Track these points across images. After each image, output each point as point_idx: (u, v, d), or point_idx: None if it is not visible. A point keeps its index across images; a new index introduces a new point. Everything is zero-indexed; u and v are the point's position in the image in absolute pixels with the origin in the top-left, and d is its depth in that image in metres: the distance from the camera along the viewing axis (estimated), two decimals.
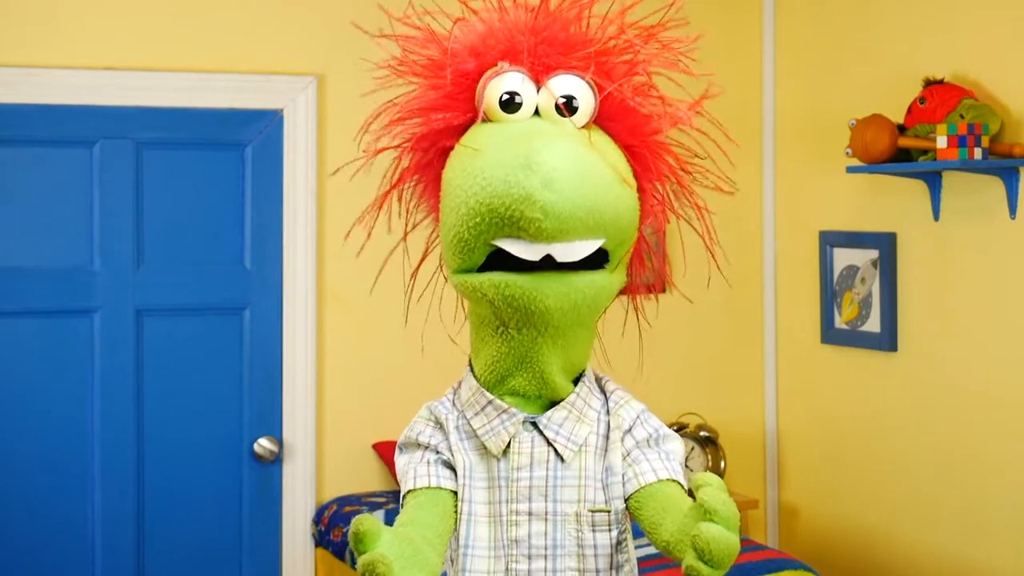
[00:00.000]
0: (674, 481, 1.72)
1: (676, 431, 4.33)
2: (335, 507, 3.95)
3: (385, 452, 4.05)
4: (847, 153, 3.90)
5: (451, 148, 1.66)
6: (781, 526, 4.57)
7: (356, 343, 4.11)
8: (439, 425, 1.73)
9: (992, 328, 3.71)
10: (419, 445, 1.73)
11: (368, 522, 1.46)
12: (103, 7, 3.85)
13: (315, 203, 4.01)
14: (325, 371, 4.07)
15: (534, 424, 1.68)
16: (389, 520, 3.69)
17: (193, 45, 3.94)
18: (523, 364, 1.66)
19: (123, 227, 3.87)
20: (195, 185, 3.96)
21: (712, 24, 4.53)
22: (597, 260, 1.60)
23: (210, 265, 3.98)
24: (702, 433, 4.32)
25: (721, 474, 4.32)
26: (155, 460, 3.92)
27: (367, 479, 4.11)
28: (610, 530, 1.70)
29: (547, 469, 1.68)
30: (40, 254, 3.81)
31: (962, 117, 3.61)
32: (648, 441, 1.74)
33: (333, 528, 3.89)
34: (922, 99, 3.73)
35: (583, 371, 1.74)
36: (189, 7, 3.93)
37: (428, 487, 1.67)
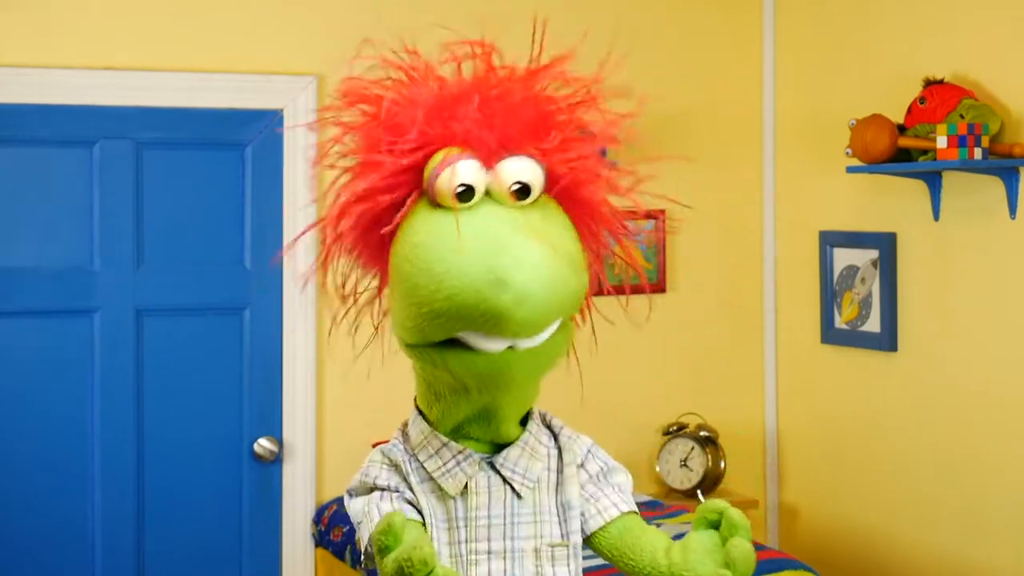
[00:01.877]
0: (634, 513, 1.79)
1: (676, 431, 4.36)
2: (335, 507, 3.95)
3: None
4: (847, 153, 3.90)
5: (387, 220, 1.64)
6: (781, 526, 4.57)
7: (356, 343, 4.10)
8: (396, 468, 1.74)
9: (992, 328, 3.71)
10: (377, 488, 1.73)
11: (400, 516, 1.51)
12: (103, 7, 3.85)
13: (315, 203, 4.01)
14: (325, 371, 4.07)
15: (490, 464, 1.71)
16: None
17: (193, 45, 3.94)
18: (481, 417, 1.69)
19: (123, 227, 3.87)
20: (195, 185, 3.96)
21: (712, 24, 4.54)
22: None
23: (210, 265, 3.98)
24: (702, 433, 4.32)
25: (721, 474, 4.32)
26: (155, 460, 3.92)
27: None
28: (569, 564, 1.74)
29: (504, 507, 1.71)
30: (40, 254, 3.81)
31: (962, 117, 3.61)
32: (600, 475, 1.80)
33: (333, 528, 3.89)
34: (922, 99, 3.73)
35: (530, 410, 1.77)
36: (189, 7, 3.93)
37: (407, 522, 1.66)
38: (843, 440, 4.27)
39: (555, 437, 1.79)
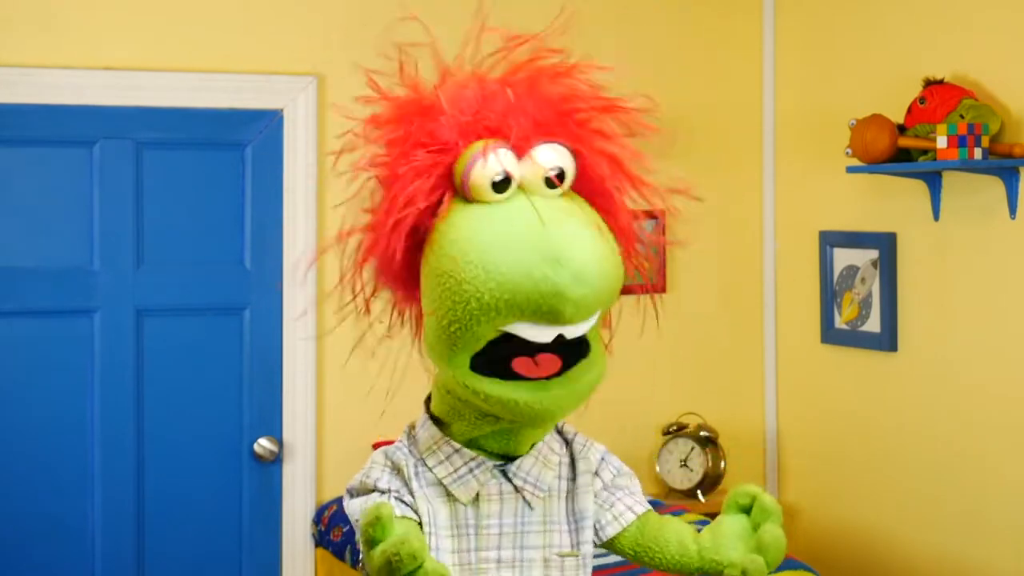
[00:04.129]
0: (649, 510, 1.79)
1: (676, 431, 4.36)
2: (335, 507, 3.95)
3: None
4: (847, 153, 3.90)
5: (419, 225, 1.60)
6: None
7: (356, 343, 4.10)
8: (397, 471, 1.72)
9: (992, 328, 3.71)
10: (377, 491, 1.70)
11: (388, 508, 1.49)
12: (103, 7, 3.85)
13: (315, 203, 4.01)
14: (325, 371, 4.07)
15: (502, 471, 1.68)
16: None
17: (193, 45, 3.94)
18: (502, 436, 1.67)
19: (123, 227, 3.87)
20: (195, 185, 3.96)
21: (712, 24, 4.54)
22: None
23: (210, 265, 3.98)
24: (702, 433, 4.32)
25: (721, 474, 4.32)
26: (155, 460, 3.92)
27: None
28: (577, 574, 1.72)
29: (515, 515, 1.68)
30: (40, 254, 3.81)
31: (962, 117, 3.61)
32: (613, 481, 1.78)
33: (333, 528, 3.89)
34: (922, 99, 3.73)
35: None
36: (189, 7, 3.93)
37: (395, 516, 1.63)
38: (843, 440, 4.27)
39: (567, 444, 1.77)
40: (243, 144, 3.99)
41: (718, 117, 4.53)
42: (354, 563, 3.74)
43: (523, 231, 1.51)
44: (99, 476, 3.86)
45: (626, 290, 1.75)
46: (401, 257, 1.64)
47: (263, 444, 4.00)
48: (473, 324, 1.54)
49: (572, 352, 1.58)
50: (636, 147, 1.67)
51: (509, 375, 1.56)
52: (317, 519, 4.01)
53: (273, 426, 4.03)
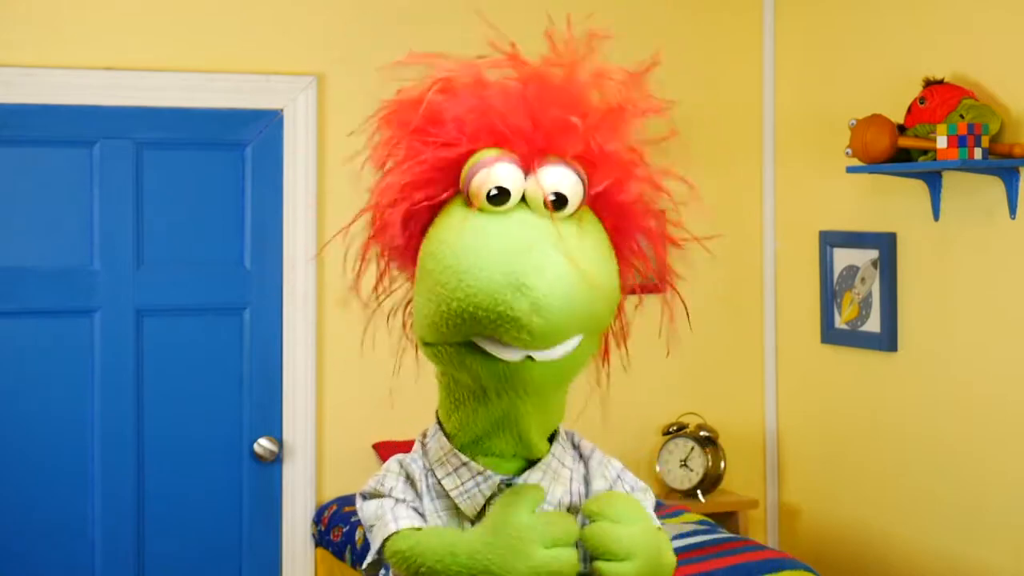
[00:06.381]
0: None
1: (676, 431, 4.36)
2: (335, 507, 3.95)
3: (385, 452, 4.06)
4: (847, 153, 3.90)
5: (427, 219, 1.61)
6: (781, 526, 4.57)
7: (356, 343, 4.10)
8: (411, 482, 1.70)
9: (992, 328, 3.71)
10: (392, 498, 1.69)
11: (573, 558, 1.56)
12: (103, 7, 3.85)
13: (315, 203, 4.01)
14: (325, 371, 4.07)
15: (509, 485, 1.65)
16: None
17: (193, 45, 3.94)
18: (501, 426, 1.64)
19: (123, 227, 3.88)
20: (195, 185, 3.96)
21: (712, 24, 4.54)
22: None
23: (210, 265, 3.98)
24: (702, 433, 4.32)
25: (721, 474, 4.32)
26: (155, 460, 3.92)
27: (367, 479, 4.10)
28: None
29: None
30: (40, 254, 3.82)
31: (962, 117, 3.61)
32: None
33: (333, 528, 3.89)
34: (922, 99, 3.73)
35: (556, 428, 1.72)
36: (189, 7, 3.93)
37: (414, 528, 1.63)
38: (843, 440, 4.27)
39: (582, 459, 1.75)
40: (243, 144, 3.99)
41: (718, 117, 4.53)
42: (354, 563, 3.74)
43: (500, 250, 1.50)
44: (99, 476, 3.86)
45: (644, 290, 1.74)
46: (404, 242, 1.65)
47: (263, 444, 4.00)
48: (442, 326, 1.54)
49: None
50: (650, 153, 1.66)
51: None
52: (317, 519, 4.01)
53: (273, 426, 4.03)
